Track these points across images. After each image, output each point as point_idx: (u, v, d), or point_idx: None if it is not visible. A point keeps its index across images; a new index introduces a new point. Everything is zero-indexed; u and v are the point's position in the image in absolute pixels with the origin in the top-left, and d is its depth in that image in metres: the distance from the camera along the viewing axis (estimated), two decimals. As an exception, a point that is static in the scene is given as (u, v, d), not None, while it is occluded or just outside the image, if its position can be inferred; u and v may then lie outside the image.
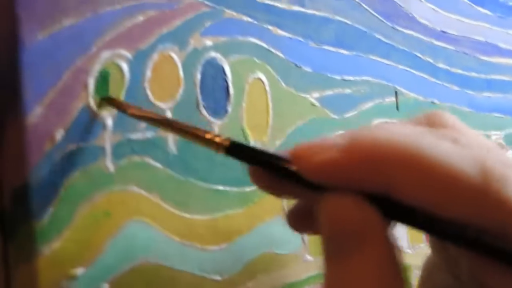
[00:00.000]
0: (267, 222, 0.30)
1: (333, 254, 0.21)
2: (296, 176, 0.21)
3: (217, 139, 0.23)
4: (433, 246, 0.26)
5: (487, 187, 0.20)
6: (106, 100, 0.26)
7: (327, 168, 0.21)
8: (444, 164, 0.20)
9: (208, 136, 0.23)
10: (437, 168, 0.20)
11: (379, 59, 0.34)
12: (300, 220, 0.24)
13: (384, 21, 0.34)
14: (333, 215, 0.21)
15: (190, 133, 0.24)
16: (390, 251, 0.20)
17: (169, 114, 0.28)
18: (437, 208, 0.20)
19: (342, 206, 0.21)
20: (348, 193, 0.21)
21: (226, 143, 0.23)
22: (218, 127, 0.29)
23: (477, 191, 0.20)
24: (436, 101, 0.36)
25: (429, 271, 0.27)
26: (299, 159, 0.21)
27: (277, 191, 0.24)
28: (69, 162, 0.25)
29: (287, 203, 0.27)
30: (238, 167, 0.29)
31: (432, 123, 0.24)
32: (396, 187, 0.20)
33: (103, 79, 0.26)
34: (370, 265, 0.20)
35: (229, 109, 0.30)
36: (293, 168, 0.22)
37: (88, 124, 0.26)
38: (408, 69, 0.35)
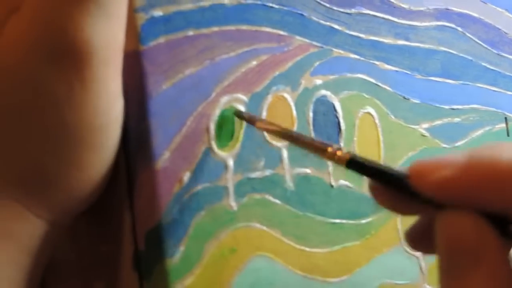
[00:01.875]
0: (385, 253, 0.30)
1: (449, 271, 0.21)
2: (415, 192, 0.21)
3: (339, 153, 0.23)
4: None
5: None
6: (237, 114, 0.27)
7: (446, 185, 0.20)
8: None
9: (330, 149, 0.24)
10: None
11: (486, 86, 0.34)
12: (418, 238, 0.24)
13: (490, 48, 0.34)
14: (450, 233, 0.21)
15: (313, 146, 0.25)
16: (507, 271, 0.20)
17: (285, 153, 0.28)
18: None
19: (460, 224, 0.20)
20: (466, 211, 0.20)
21: (347, 156, 0.23)
22: (331, 163, 0.29)
23: None
24: (548, 125, 0.35)
25: None
26: (418, 175, 0.21)
27: (396, 207, 0.23)
28: (196, 202, 0.26)
29: (403, 233, 0.27)
30: (353, 200, 0.29)
31: None
32: None
33: (224, 123, 0.27)
34: (486, 282, 0.20)
35: (342, 143, 0.30)
36: (412, 184, 0.21)
37: (211, 165, 0.27)
38: (517, 94, 0.34)
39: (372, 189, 0.23)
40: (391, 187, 0.23)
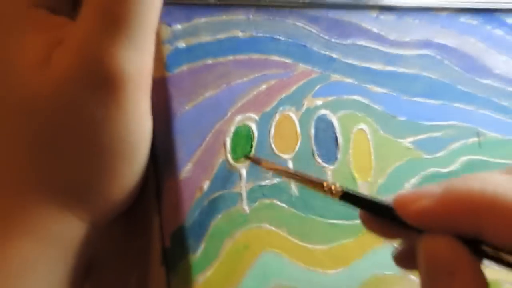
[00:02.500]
0: (376, 248, 0.29)
1: (429, 286, 0.21)
2: (399, 220, 0.21)
3: (333, 188, 0.24)
4: None
5: None
6: (245, 157, 0.27)
7: (425, 214, 0.21)
8: None
9: (325, 184, 0.24)
10: None
11: (461, 106, 0.33)
12: (404, 259, 0.24)
13: (464, 73, 0.34)
14: (429, 253, 0.21)
15: (312, 183, 0.25)
16: (480, 283, 0.20)
17: (290, 164, 0.28)
18: None
19: (437, 246, 0.20)
20: (442, 235, 0.20)
21: (340, 191, 0.23)
22: (330, 171, 0.29)
23: None
24: (513, 138, 0.34)
25: None
26: (401, 206, 0.21)
27: (383, 233, 0.23)
28: (214, 207, 0.26)
29: (391, 254, 0.26)
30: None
31: None
32: (487, 231, 0.20)
33: (239, 138, 0.27)
34: None
35: (339, 156, 0.30)
36: (396, 214, 0.21)
37: (227, 175, 0.27)
38: (487, 112, 0.34)
39: (362, 217, 0.23)
40: (378, 216, 0.23)
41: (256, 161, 0.27)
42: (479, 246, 0.20)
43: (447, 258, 0.20)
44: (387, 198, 0.22)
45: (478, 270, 0.20)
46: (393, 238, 0.24)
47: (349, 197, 0.23)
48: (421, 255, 0.21)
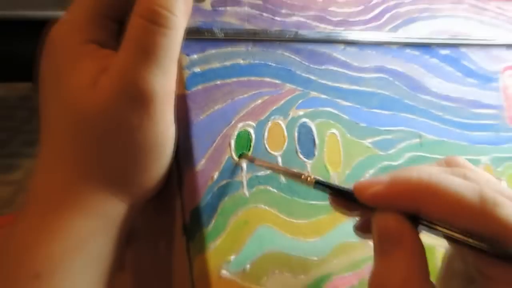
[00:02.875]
0: (344, 222, 0.29)
1: (380, 251, 0.20)
2: (357, 201, 0.21)
3: (308, 178, 0.23)
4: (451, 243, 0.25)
5: (483, 208, 0.19)
6: (243, 156, 0.27)
7: (376, 196, 0.21)
8: (455, 193, 0.19)
9: (303, 176, 0.24)
10: (450, 196, 0.19)
11: (407, 115, 0.33)
12: (362, 230, 0.24)
13: (409, 91, 0.33)
14: (380, 226, 0.20)
15: (292, 175, 0.25)
16: (419, 248, 0.20)
17: (279, 159, 0.28)
18: (451, 222, 0.20)
19: (386, 220, 0.20)
20: (390, 212, 0.20)
21: (313, 180, 0.23)
22: (309, 165, 0.29)
23: (477, 212, 0.19)
24: (445, 139, 0.34)
25: (449, 259, 0.25)
26: (359, 191, 0.21)
27: (345, 211, 0.23)
28: (222, 192, 0.26)
29: (352, 226, 0.26)
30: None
31: (449, 163, 0.23)
32: (423, 208, 0.20)
33: (240, 140, 0.27)
34: (405, 257, 0.20)
35: (316, 153, 0.29)
36: (356, 196, 0.21)
37: (232, 168, 0.26)
38: (426, 120, 0.34)
39: (330, 200, 0.23)
40: (342, 198, 0.23)
41: (250, 159, 0.27)
42: (417, 220, 0.20)
43: (394, 229, 0.20)
44: (349, 185, 0.22)
45: (417, 237, 0.20)
46: (353, 214, 0.23)
47: (321, 185, 0.23)
48: (374, 227, 0.21)
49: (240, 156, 0.26)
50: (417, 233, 0.20)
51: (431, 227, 0.20)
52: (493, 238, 0.19)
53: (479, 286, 0.21)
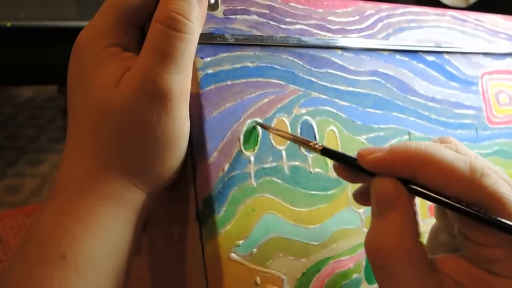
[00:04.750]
0: (341, 211, 0.28)
1: (377, 213, 0.20)
2: (359, 167, 0.21)
3: (316, 146, 0.23)
4: (437, 216, 0.25)
5: (472, 178, 0.19)
6: (258, 124, 0.26)
7: (377, 162, 0.20)
8: (448, 162, 0.19)
9: (311, 144, 0.23)
10: (444, 165, 0.19)
11: (398, 114, 0.32)
12: (360, 196, 0.23)
13: (399, 93, 0.33)
14: (378, 189, 0.20)
15: (302, 142, 0.24)
16: (412, 211, 0.20)
17: (283, 153, 0.27)
18: (443, 189, 0.19)
19: (384, 184, 0.20)
20: (388, 177, 0.20)
21: (320, 147, 0.23)
22: (311, 158, 0.28)
23: (467, 180, 0.19)
24: (431, 136, 0.34)
25: (434, 232, 0.25)
26: (361, 156, 0.21)
27: (348, 177, 0.23)
28: (232, 182, 0.25)
29: (352, 193, 0.25)
30: (323, 180, 0.28)
31: (442, 141, 0.23)
32: (419, 174, 0.19)
33: (248, 135, 0.26)
34: (399, 218, 0.19)
35: (316, 147, 0.28)
36: (357, 162, 0.21)
37: (241, 160, 0.25)
38: (414, 119, 0.33)
39: (335, 167, 0.23)
40: (346, 165, 0.22)
41: (265, 127, 0.26)
42: (412, 186, 0.20)
43: (391, 192, 0.19)
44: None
45: (411, 202, 0.20)
46: (355, 181, 0.23)
47: (327, 152, 0.23)
48: (373, 191, 0.20)
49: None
50: (412, 198, 0.20)
51: (425, 193, 0.19)
52: (479, 204, 0.19)
53: (461, 253, 0.21)
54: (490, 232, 0.18)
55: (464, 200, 0.19)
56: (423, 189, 0.20)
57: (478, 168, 0.19)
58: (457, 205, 0.19)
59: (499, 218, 0.18)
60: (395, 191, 0.19)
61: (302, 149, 0.28)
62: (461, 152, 0.20)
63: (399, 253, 0.19)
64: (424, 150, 0.19)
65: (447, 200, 0.19)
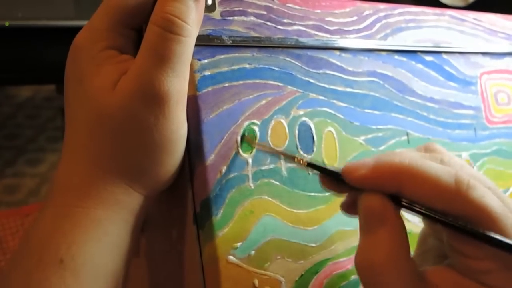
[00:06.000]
0: (340, 212, 0.28)
1: (365, 229, 0.20)
2: (345, 182, 0.21)
3: (301, 161, 0.23)
4: (425, 221, 0.24)
5: (458, 190, 0.18)
6: (245, 139, 0.26)
7: (362, 179, 0.20)
8: (433, 176, 0.19)
9: (296, 159, 0.23)
10: (428, 179, 0.19)
11: (396, 115, 0.32)
12: (349, 208, 0.23)
13: (397, 93, 0.32)
14: (366, 205, 0.20)
15: (288, 157, 0.25)
16: (400, 226, 0.20)
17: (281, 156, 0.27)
18: (429, 203, 0.19)
19: (371, 199, 0.20)
20: (375, 192, 0.20)
21: (305, 163, 0.23)
22: (308, 160, 0.28)
23: (453, 193, 0.19)
24: (430, 137, 0.33)
25: (424, 237, 0.25)
26: (346, 173, 0.21)
27: (335, 191, 0.23)
28: (229, 184, 0.25)
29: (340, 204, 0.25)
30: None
31: (427, 149, 0.23)
32: (404, 189, 0.19)
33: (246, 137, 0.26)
34: (388, 235, 0.19)
35: (314, 149, 0.28)
36: (344, 178, 0.21)
37: (239, 162, 0.25)
38: (413, 120, 0.33)
39: (321, 180, 0.23)
40: (332, 179, 0.22)
41: (250, 142, 0.26)
42: (399, 200, 0.20)
43: (378, 209, 0.19)
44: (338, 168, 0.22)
45: (399, 217, 0.20)
46: (341, 193, 0.23)
47: (313, 166, 0.23)
48: (360, 208, 0.20)
49: (242, 139, 0.25)
50: (399, 213, 0.20)
51: (411, 207, 0.19)
52: (466, 217, 0.18)
53: (450, 261, 0.21)
54: (479, 245, 0.18)
55: (451, 213, 0.19)
56: (410, 203, 0.19)
57: (464, 180, 0.18)
58: (443, 220, 0.19)
59: (487, 233, 0.18)
60: (382, 207, 0.19)
61: (300, 150, 0.28)
62: (446, 162, 0.20)
63: (390, 270, 0.19)
64: (408, 165, 0.19)
65: (434, 215, 0.19)
